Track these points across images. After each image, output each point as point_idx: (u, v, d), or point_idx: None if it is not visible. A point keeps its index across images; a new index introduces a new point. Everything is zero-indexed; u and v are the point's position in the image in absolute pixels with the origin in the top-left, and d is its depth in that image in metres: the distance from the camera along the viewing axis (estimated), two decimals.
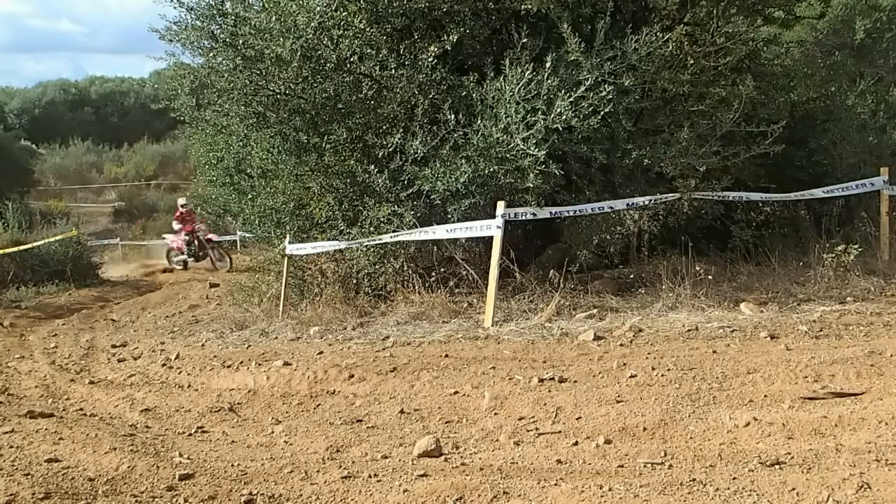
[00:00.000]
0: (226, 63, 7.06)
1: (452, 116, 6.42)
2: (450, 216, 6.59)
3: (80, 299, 12.70)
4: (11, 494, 2.78)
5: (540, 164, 6.13)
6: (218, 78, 7.14)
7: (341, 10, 6.65)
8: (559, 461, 3.01)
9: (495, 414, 4.05)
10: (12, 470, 3.33)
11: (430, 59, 6.47)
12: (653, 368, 4.55)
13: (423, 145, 6.50)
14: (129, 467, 3.39)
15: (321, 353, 5.84)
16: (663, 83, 6.56)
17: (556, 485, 2.61)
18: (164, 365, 6.30)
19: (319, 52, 6.59)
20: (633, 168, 6.91)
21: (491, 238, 6.41)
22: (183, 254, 16.12)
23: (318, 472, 3.13)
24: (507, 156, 6.25)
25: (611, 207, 6.96)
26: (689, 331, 5.47)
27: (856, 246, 6.66)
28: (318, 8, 6.60)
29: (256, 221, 8.24)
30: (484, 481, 2.65)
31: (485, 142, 6.29)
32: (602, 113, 6.06)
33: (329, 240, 7.44)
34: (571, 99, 6.01)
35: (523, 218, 6.62)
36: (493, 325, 6.04)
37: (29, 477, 3.21)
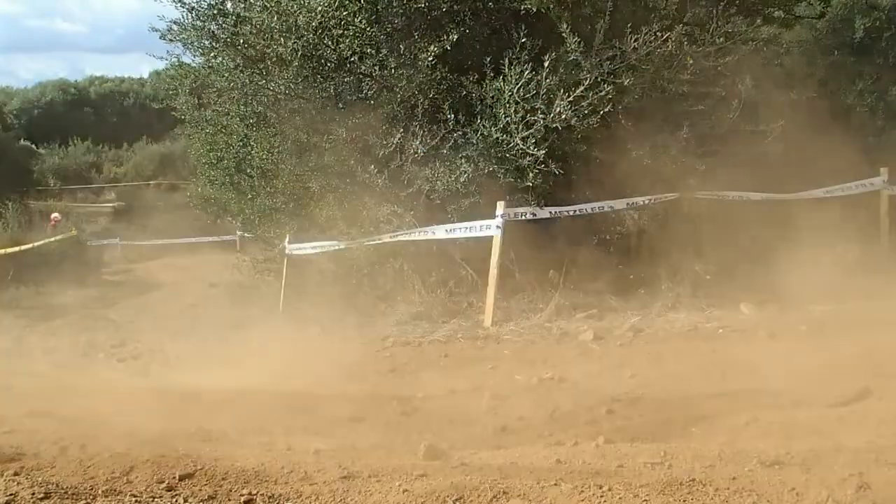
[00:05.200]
0: (226, 63, 7.07)
1: (452, 116, 6.42)
2: (450, 216, 6.59)
3: (79, 299, 12.68)
4: (11, 494, 2.78)
5: (539, 164, 6.13)
6: (218, 77, 7.15)
7: (342, 9, 6.66)
8: (559, 461, 3.01)
9: (495, 413, 4.05)
10: None
11: (430, 59, 6.47)
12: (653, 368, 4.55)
13: (422, 145, 6.50)
14: (128, 467, 3.38)
15: (321, 353, 5.83)
16: (663, 83, 6.56)
17: (555, 485, 2.61)
18: (163, 365, 6.29)
19: (320, 51, 6.60)
20: (633, 167, 6.91)
21: (491, 238, 6.41)
22: None
23: (317, 471, 3.12)
24: (507, 155, 6.26)
25: (611, 207, 6.95)
26: (688, 330, 5.47)
27: (856, 246, 6.66)
28: (319, 7, 6.60)
29: (256, 221, 8.24)
30: (484, 481, 2.64)
31: (484, 141, 6.29)
32: (602, 112, 6.06)
33: (329, 240, 7.43)
34: (571, 98, 6.02)
35: (523, 218, 6.62)
36: (492, 325, 6.04)
37: (28, 477, 3.20)
